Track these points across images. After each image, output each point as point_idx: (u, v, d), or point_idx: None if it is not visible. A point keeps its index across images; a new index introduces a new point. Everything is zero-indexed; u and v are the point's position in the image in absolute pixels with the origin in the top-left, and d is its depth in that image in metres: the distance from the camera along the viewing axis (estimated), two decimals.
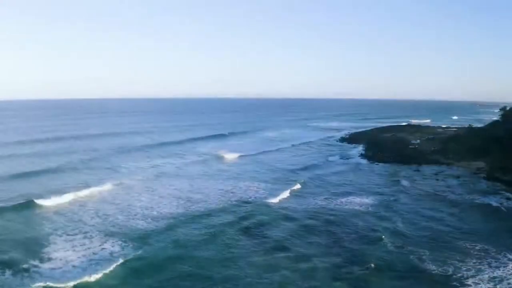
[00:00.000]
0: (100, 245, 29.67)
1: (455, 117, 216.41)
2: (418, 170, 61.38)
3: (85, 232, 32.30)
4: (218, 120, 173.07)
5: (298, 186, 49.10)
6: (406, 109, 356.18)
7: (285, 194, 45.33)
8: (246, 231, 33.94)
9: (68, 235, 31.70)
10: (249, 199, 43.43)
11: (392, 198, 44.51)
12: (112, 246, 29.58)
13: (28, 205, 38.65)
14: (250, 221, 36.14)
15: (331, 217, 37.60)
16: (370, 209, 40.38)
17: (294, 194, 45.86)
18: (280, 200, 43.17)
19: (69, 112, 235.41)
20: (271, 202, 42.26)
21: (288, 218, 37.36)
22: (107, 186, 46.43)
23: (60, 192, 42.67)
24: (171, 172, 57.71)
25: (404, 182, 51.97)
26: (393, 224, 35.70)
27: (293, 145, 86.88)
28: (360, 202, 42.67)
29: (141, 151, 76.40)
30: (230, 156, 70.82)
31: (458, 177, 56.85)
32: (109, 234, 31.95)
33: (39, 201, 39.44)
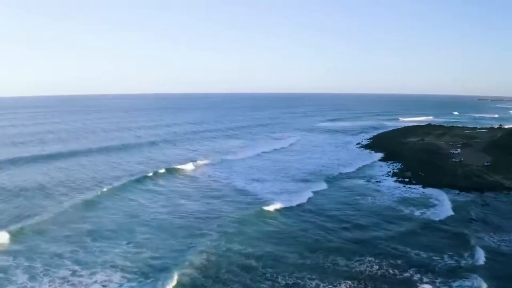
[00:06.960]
0: None
1: (477, 115, 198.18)
2: (486, 204, 42.36)
3: None
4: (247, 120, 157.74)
5: None
6: (417, 105, 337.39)
7: None
8: None
9: None
10: None
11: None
12: None
13: None
14: None
15: None
16: None
17: None
18: None
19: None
20: None
21: None
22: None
23: None
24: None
25: (486, 238, 32.84)
26: None
27: (309, 172, 58.83)
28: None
29: None
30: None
31: None
32: None
33: None
